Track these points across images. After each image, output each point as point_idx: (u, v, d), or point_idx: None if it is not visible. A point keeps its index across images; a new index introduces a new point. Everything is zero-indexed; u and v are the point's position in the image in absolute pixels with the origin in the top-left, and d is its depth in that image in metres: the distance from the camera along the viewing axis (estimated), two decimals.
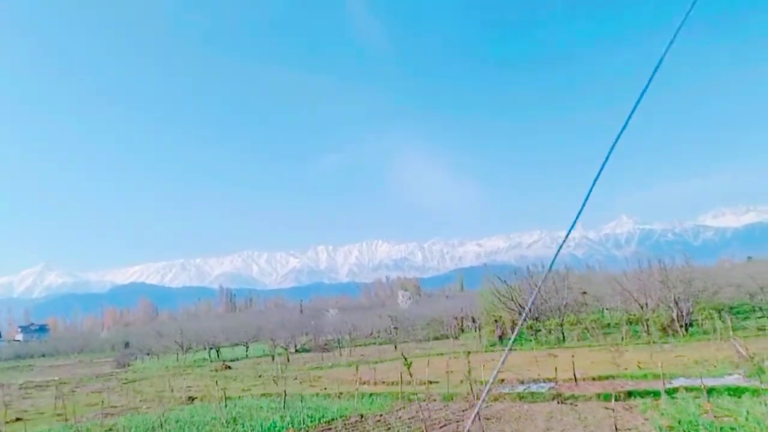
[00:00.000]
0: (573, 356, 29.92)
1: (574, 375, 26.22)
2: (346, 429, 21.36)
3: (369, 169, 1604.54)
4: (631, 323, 46.11)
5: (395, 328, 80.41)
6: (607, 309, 57.57)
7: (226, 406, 27.93)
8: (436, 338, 70.76)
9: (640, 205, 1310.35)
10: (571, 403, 22.98)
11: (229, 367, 56.73)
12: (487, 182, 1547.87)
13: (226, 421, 24.09)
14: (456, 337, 71.45)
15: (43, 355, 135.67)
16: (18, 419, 32.00)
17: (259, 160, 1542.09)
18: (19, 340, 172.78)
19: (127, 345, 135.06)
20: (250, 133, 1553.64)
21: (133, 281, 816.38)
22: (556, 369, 28.31)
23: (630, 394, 23.38)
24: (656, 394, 22.73)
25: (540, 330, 50.37)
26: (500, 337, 51.04)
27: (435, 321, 79.26)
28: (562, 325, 48.69)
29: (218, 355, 75.07)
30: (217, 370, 54.85)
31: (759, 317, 51.33)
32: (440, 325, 77.87)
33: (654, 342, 40.89)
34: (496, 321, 51.74)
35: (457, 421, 21.30)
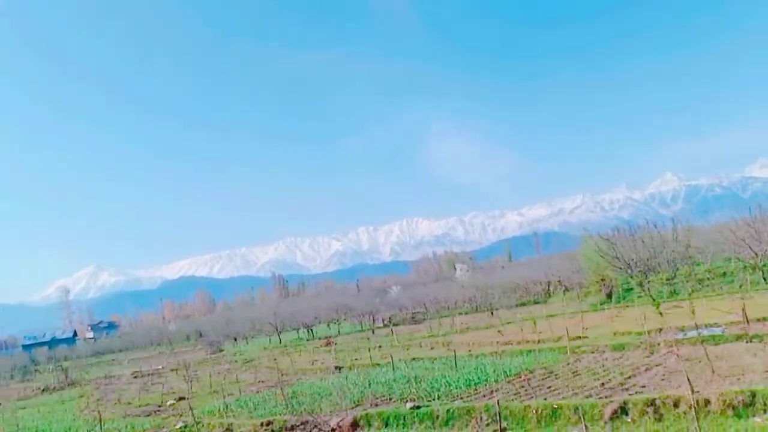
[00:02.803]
0: (743, 299, 29.45)
1: (745, 316, 25.91)
2: (552, 375, 21.70)
3: (402, 146, 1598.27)
4: (747, 270, 45.39)
5: (473, 298, 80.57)
6: (720, 259, 56.66)
7: (394, 369, 28.54)
8: (523, 304, 70.77)
9: (685, 161, 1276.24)
10: (761, 341, 22.90)
11: (335, 343, 57.76)
12: (523, 149, 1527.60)
13: (412, 379, 24.71)
14: (544, 302, 71.40)
15: (121, 350, 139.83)
16: (181, 398, 33.26)
17: (291, 146, 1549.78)
18: (91, 338, 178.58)
19: (201, 334, 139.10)
20: (280, 118, 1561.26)
21: (182, 275, 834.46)
22: (731, 312, 28.09)
23: None
24: None
25: (646, 284, 49.91)
26: (608, 295, 50.79)
27: (519, 287, 79.13)
28: (673, 278, 48.18)
29: (312, 334, 76.44)
30: (324, 346, 55.94)
31: None
32: (525, 291, 77.76)
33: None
34: (602, 279, 51.45)
35: (657, 365, 21.41)
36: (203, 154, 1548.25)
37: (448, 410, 18.51)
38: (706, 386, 16.55)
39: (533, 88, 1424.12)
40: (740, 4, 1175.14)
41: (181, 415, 27.18)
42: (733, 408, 14.65)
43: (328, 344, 57.51)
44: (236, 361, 56.83)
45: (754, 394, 14.71)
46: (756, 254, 44.61)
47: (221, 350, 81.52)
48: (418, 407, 19.48)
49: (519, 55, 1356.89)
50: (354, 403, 22.31)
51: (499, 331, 34.02)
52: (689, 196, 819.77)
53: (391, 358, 30.74)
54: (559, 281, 72.41)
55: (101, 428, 24.19)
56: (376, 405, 21.46)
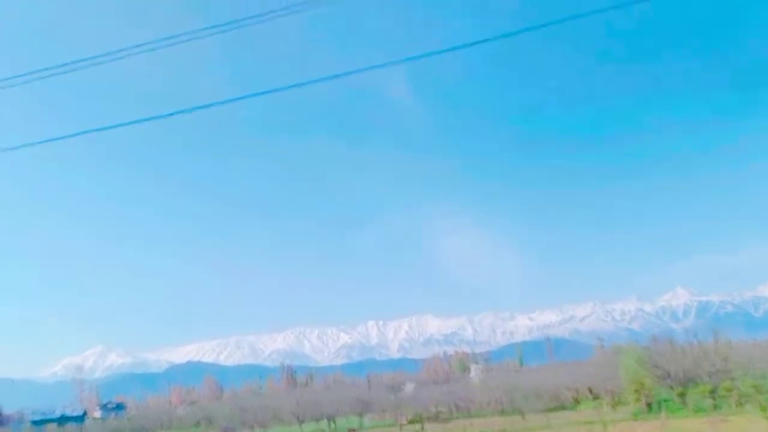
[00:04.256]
0: None
1: None
2: None
3: (413, 241, 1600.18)
4: None
5: (498, 400, 79.27)
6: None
7: None
8: (552, 410, 69.61)
9: (697, 276, 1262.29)
10: None
11: None
12: (535, 254, 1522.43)
13: None
14: (572, 408, 70.31)
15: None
16: None
17: (303, 236, 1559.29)
18: (99, 418, 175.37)
19: (210, 420, 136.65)
20: (294, 206, 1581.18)
21: (189, 360, 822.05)
22: None
23: None
24: None
25: (686, 396, 49.47)
26: (648, 405, 50.23)
27: (546, 392, 77.92)
28: (714, 391, 47.77)
29: (335, 425, 75.26)
30: None
31: None
32: (554, 396, 76.57)
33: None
34: (642, 388, 51.05)
35: None
36: (214, 241, 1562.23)
37: None
38: None
39: (548, 195, 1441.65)
40: (754, 122, 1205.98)
41: None
42: None
43: None
44: None
45: None
46: None
47: None
48: None
49: (534, 163, 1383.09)
50: None
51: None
52: (701, 311, 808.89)
53: None
54: (589, 389, 71.41)
55: None
56: None
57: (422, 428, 55.69)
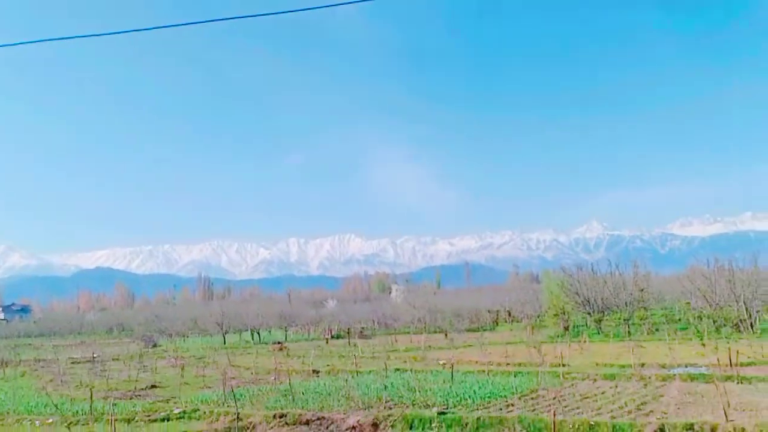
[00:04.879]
0: (707, 344, 30.89)
1: (730, 359, 27.37)
2: (559, 397, 22.09)
3: (343, 164, 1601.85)
4: (701, 319, 47.86)
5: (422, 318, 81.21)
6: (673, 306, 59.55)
7: (387, 375, 28.47)
8: (473, 330, 71.90)
9: (611, 211, 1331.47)
10: (750, 383, 24.26)
11: (287, 348, 56.91)
12: (461, 182, 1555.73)
13: (411, 388, 24.70)
14: (491, 329, 72.92)
15: (36, 336, 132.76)
16: (153, 386, 32.04)
17: (230, 152, 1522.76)
18: (2, 320, 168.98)
19: (123, 328, 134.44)
20: (223, 122, 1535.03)
21: (99, 266, 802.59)
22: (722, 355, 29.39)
23: None
24: None
25: (602, 323, 51.88)
26: (565, 329, 52.36)
27: (466, 313, 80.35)
28: (629, 319, 50.22)
29: (259, 337, 75.08)
30: (277, 350, 54.99)
31: None
32: (475, 317, 79.07)
33: (728, 337, 42.54)
34: (562, 313, 53.04)
35: (660, 396, 22.27)
36: (132, 146, 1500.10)
37: (478, 418, 18.65)
38: (730, 417, 17.37)
39: (476, 127, 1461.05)
40: (673, 59, 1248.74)
41: (167, 401, 26.21)
42: None
43: (281, 349, 56.60)
44: (182, 357, 54.95)
45: None
46: (710, 304, 47.15)
47: (155, 345, 78.72)
48: (444, 413, 19.55)
49: (468, 92, 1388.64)
50: (364, 405, 22.12)
51: (488, 351, 34.54)
52: (611, 244, 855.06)
53: (385, 365, 30.66)
54: (508, 312, 74.02)
55: (91, 406, 23.05)
56: (390, 408, 21.33)
57: (349, 343, 56.02)
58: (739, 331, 44.97)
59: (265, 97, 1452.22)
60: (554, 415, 15.77)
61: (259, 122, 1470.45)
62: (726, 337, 43.26)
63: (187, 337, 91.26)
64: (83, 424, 21.71)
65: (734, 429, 15.90)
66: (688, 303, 52.81)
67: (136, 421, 21.86)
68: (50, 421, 22.40)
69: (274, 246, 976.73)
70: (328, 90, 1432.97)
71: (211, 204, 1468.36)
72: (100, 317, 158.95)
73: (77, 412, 23.83)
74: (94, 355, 61.22)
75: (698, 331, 44.28)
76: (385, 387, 24.77)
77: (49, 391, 30.27)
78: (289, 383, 25.65)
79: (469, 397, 22.83)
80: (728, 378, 25.24)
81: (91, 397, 23.29)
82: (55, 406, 24.95)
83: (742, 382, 24.47)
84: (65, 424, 21.42)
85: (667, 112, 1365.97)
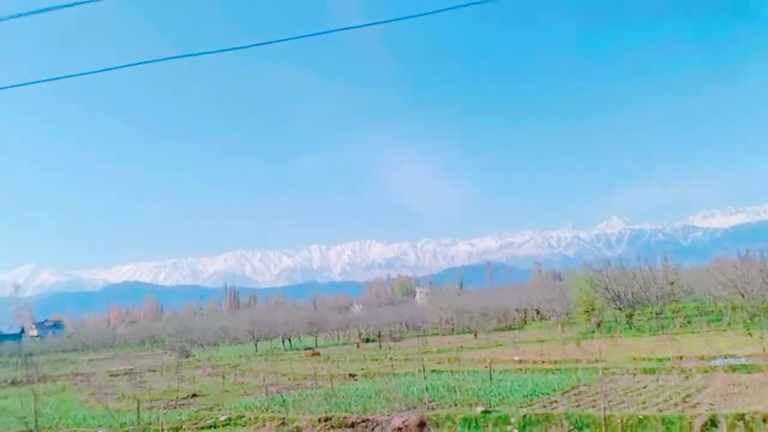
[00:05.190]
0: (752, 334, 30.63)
1: (765, 349, 27.09)
2: (601, 393, 22.00)
3: (360, 168, 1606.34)
4: (735, 309, 47.35)
5: (450, 320, 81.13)
6: (706, 298, 58.90)
7: (425, 377, 28.64)
8: (501, 329, 71.74)
9: (631, 206, 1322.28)
10: None
11: (319, 353, 57.28)
12: (479, 182, 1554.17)
13: (452, 388, 24.86)
14: (520, 328, 72.72)
15: (70, 350, 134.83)
16: (194, 395, 32.53)
17: (248, 159, 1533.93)
18: (37, 336, 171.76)
19: (155, 340, 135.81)
20: (238, 131, 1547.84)
21: (126, 280, 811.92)
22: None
23: None
24: None
25: (633, 317, 51.54)
26: (597, 325, 52.07)
27: (493, 313, 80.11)
28: (660, 312, 49.80)
29: (290, 344, 75.61)
30: (310, 356, 55.38)
31: None
32: (503, 316, 78.87)
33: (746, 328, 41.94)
34: (592, 309, 52.76)
35: (705, 387, 22.18)
36: (154, 160, 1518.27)
37: (524, 416, 18.75)
38: None
39: (494, 127, 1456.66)
40: (698, 60, 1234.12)
41: (211, 409, 26.63)
42: None
43: (314, 354, 56.99)
44: (216, 366, 55.56)
45: None
46: (743, 295, 46.61)
47: (188, 356, 79.60)
48: (489, 411, 19.68)
49: (482, 95, 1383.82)
50: (407, 406, 22.30)
51: (522, 350, 34.61)
52: (633, 239, 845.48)
53: (423, 366, 30.82)
54: (537, 310, 73.72)
55: (138, 416, 23.49)
56: (433, 409, 21.50)
57: (380, 346, 56.24)
58: None
59: (278, 104, 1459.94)
60: (604, 410, 15.80)
61: (273, 124, 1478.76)
62: (744, 328, 42.82)
63: (218, 346, 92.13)
64: None
65: None
66: (724, 295, 52.18)
67: (184, 429, 22.26)
68: (100, 431, 22.89)
69: (296, 254, 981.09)
70: (341, 93, 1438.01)
71: (232, 214, 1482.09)
72: (131, 330, 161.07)
73: (124, 423, 24.29)
74: (131, 368, 62.23)
75: (732, 323, 43.82)
76: (426, 388, 24.87)
77: (93, 404, 30.89)
78: (331, 387, 25.93)
79: (511, 395, 22.94)
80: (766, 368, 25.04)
81: (138, 408, 23.71)
82: (102, 417, 25.48)
83: None
84: None
85: (684, 105, 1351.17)
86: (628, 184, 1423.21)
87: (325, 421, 20.96)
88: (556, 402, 21.18)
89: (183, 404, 29.10)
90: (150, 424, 23.36)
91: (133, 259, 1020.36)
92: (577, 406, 20.09)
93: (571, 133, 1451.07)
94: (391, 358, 38.91)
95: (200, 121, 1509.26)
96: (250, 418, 22.82)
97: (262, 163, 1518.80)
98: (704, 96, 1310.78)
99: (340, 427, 20.54)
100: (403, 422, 19.87)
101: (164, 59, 13.85)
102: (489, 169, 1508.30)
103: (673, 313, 49.64)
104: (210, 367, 54.64)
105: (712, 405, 18.55)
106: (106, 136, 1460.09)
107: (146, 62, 13.56)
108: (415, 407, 22.04)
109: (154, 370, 57.38)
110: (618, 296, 52.29)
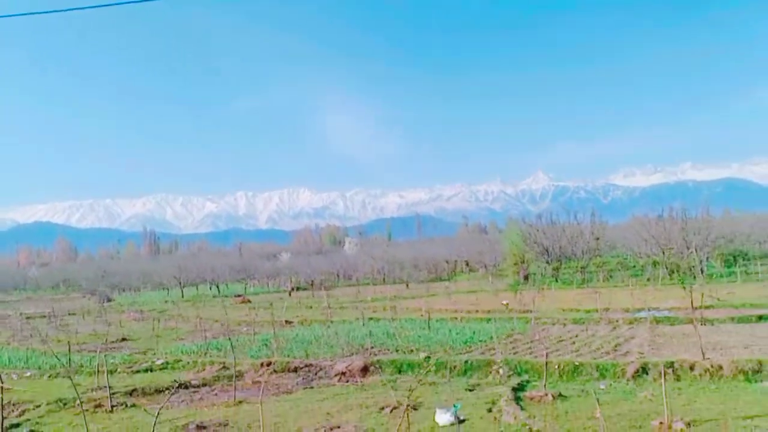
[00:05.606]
0: (706, 289, 32.21)
1: (692, 302, 28.65)
2: (535, 341, 22.73)
3: (293, 115, 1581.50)
4: (656, 266, 49.91)
5: (381, 269, 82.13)
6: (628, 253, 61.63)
7: (364, 324, 28.85)
8: (432, 280, 73.18)
9: (557, 162, 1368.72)
10: (712, 324, 25.65)
11: (249, 301, 56.84)
12: (412, 134, 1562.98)
13: (392, 335, 25.15)
14: (450, 279, 74.38)
15: None
16: (123, 339, 31.67)
17: (172, 102, 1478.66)
18: None
19: (69, 284, 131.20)
20: (164, 73, 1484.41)
21: (37, 220, 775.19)
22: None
23: (760, 317, 26.46)
24: None
25: (559, 271, 53.58)
26: (525, 278, 53.84)
27: (423, 264, 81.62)
28: (585, 267, 51.94)
29: (219, 291, 74.55)
30: (240, 303, 54.94)
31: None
32: (433, 268, 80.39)
33: (681, 283, 44.70)
34: (522, 262, 54.42)
35: (632, 337, 23.31)
36: (68, 95, 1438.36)
37: (465, 361, 19.19)
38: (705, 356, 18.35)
39: (428, 81, 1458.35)
40: (630, 23, 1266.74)
41: (144, 353, 25.97)
42: (744, 373, 16.46)
43: (244, 302, 56.51)
44: (142, 311, 54.17)
45: (761, 363, 16.63)
46: (663, 252, 49.16)
47: (110, 300, 77.37)
48: (430, 357, 20.03)
49: (422, 51, 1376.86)
50: (349, 352, 22.42)
51: (454, 300, 35.31)
52: (557, 195, 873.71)
53: (362, 314, 31.02)
54: (466, 262, 75.53)
55: (69, 359, 22.66)
56: (375, 354, 21.69)
57: (313, 294, 56.31)
58: (693, 276, 47.12)
59: (206, 39, 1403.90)
60: (546, 356, 16.33)
61: (202, 67, 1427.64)
62: (679, 283, 45.58)
63: (140, 291, 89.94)
64: (64, 377, 21.30)
65: (712, 366, 16.81)
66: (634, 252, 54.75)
67: (119, 372, 21.62)
68: (28, 374, 21.95)
69: (221, 199, 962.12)
70: (275, 31, 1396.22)
71: (154, 156, 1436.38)
72: (44, 273, 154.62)
73: (54, 365, 23.34)
74: (49, 311, 59.84)
75: (652, 278, 46.25)
76: (370, 333, 25.05)
77: (15, 346, 29.59)
78: (273, 332, 25.75)
79: (450, 342, 23.42)
80: (690, 321, 26.59)
81: (69, 349, 22.87)
82: (28, 360, 24.43)
83: (705, 324, 25.79)
84: (47, 377, 21.07)
85: (612, 67, 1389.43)
86: (556, 140, 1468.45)
87: (267, 365, 20.83)
88: (493, 349, 21.77)
89: (113, 348, 28.25)
90: (82, 366, 22.56)
91: (46, 198, 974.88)
92: (515, 353, 20.75)
93: (503, 89, 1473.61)
94: (328, 306, 38.91)
95: (124, 65, 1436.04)
96: (188, 362, 22.41)
97: (188, 102, 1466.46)
98: (632, 58, 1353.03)
99: (283, 372, 20.45)
100: (346, 367, 19.97)
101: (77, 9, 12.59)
102: (423, 122, 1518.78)
103: (598, 267, 51.94)
104: (135, 312, 53.29)
105: (641, 354, 19.52)
106: (21, 75, 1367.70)
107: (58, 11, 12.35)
108: (356, 353, 22.18)
109: (74, 314, 55.47)
110: (546, 250, 54.13)
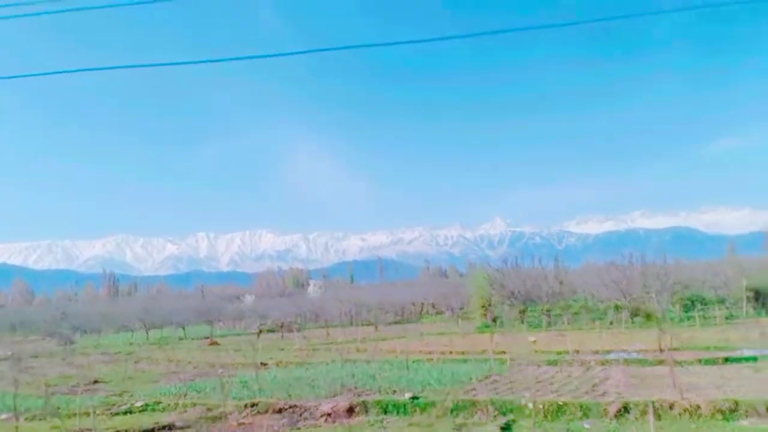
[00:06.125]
0: (672, 331, 33.27)
1: (659, 345, 29.74)
2: (515, 382, 23.31)
3: (255, 159, 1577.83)
4: (618, 309, 51.25)
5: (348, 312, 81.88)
6: (590, 298, 63.01)
7: (342, 366, 28.93)
8: (398, 322, 73.35)
9: (514, 209, 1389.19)
10: (682, 366, 26.55)
11: (218, 343, 56.10)
12: (374, 179, 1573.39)
13: (372, 376, 25.36)
14: (417, 321, 74.61)
15: None
16: (96, 381, 31.06)
17: (134, 143, 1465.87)
18: None
19: (27, 326, 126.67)
20: (126, 115, 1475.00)
21: None
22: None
23: (726, 359, 27.52)
24: (748, 359, 27.07)
25: (525, 314, 54.62)
26: (494, 320, 54.61)
27: (390, 307, 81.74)
28: (550, 310, 53.08)
29: (185, 333, 73.18)
30: (209, 345, 54.20)
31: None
32: (400, 310, 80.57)
33: (643, 326, 46.06)
34: (489, 305, 55.25)
35: (607, 378, 24.02)
36: (29, 137, 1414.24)
37: (453, 402, 19.55)
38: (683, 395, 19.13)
39: (392, 127, 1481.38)
40: (583, 79, 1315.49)
41: (120, 395, 25.59)
42: (721, 413, 17.26)
43: (212, 344, 55.74)
44: (108, 354, 52.96)
45: (736, 402, 17.47)
46: (625, 296, 50.62)
47: (72, 342, 75.14)
48: (416, 398, 20.35)
49: (385, 98, 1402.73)
50: (332, 393, 22.57)
51: (426, 342, 35.65)
52: (513, 240, 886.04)
53: (340, 356, 31.10)
54: (432, 304, 75.99)
55: (46, 401, 22.26)
56: (359, 395, 21.89)
57: (282, 336, 55.97)
58: (653, 320, 48.50)
59: (171, 87, 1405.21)
60: (535, 395, 16.86)
61: (168, 113, 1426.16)
62: (641, 326, 46.96)
63: (101, 333, 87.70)
64: (41, 419, 20.95)
65: (690, 405, 17.58)
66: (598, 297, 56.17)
67: (99, 414, 21.29)
68: (3, 417, 21.45)
69: (182, 241, 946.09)
70: (238, 76, 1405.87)
71: (114, 197, 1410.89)
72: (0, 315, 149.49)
73: (29, 408, 22.88)
74: (10, 353, 57.94)
75: (615, 321, 47.47)
76: (353, 375, 25.24)
77: None
78: (256, 374, 25.70)
79: (430, 383, 23.76)
80: (660, 362, 27.54)
81: (47, 392, 22.49)
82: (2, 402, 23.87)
83: (675, 365, 26.70)
84: (24, 419, 20.67)
85: (568, 120, 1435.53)
86: (514, 187, 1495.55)
87: (252, 406, 20.84)
88: (475, 390, 22.24)
89: (87, 390, 27.71)
90: (59, 408, 22.15)
91: (2, 239, 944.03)
92: (496, 394, 21.21)
93: (463, 137, 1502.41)
94: (301, 348, 38.85)
95: (85, 97, 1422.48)
96: (168, 404, 22.22)
97: (151, 145, 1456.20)
98: (586, 113, 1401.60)
99: (267, 413, 20.46)
100: (332, 408, 20.14)
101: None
102: (385, 168, 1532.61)
103: (562, 310, 53.05)
104: (102, 355, 52.08)
105: (620, 394, 20.21)
106: None
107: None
108: (339, 394, 22.35)
109: (37, 357, 53.81)
110: (512, 293, 55.07)
